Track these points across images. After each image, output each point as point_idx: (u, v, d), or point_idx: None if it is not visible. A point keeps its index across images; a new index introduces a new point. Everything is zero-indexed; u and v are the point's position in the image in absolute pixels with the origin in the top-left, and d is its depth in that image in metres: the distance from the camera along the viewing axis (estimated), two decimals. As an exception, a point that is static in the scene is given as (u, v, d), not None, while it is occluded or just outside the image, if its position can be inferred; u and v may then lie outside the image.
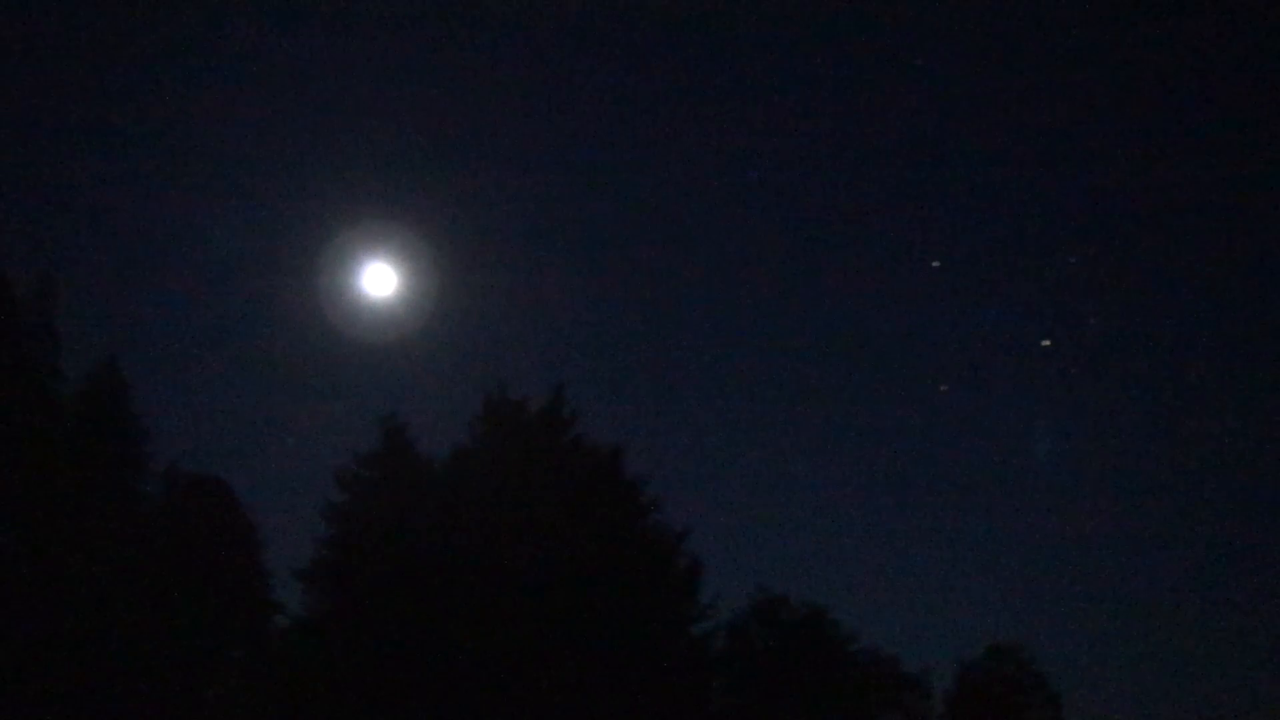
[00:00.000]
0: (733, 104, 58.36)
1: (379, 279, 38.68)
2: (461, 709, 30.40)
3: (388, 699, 30.00)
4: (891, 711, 40.84)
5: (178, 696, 29.11)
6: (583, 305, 58.12)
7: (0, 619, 26.56)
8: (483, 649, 30.80)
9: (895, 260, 61.73)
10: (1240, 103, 56.18)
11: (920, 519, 60.31)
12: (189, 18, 50.18)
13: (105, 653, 27.38)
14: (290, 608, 33.07)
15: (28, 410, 29.04)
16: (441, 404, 43.72)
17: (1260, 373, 60.47)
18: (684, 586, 36.04)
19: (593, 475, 34.79)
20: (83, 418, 30.53)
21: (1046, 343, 50.31)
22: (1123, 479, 57.06)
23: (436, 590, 31.30)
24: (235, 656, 31.80)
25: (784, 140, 58.23)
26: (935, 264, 51.92)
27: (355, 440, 34.71)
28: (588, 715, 31.05)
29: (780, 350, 61.33)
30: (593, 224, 58.18)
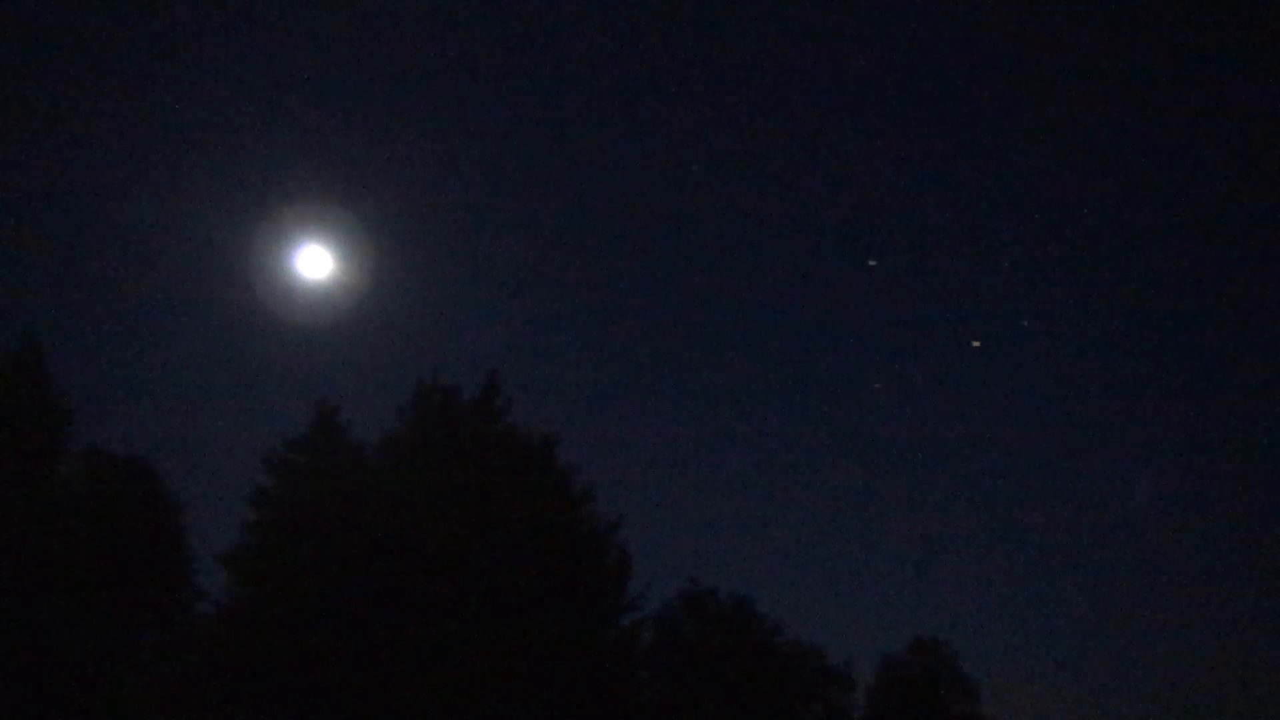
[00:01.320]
0: (668, 97, 58.54)
1: (313, 261, 38.30)
2: (387, 698, 30.19)
3: (311, 686, 29.71)
4: (815, 703, 41.45)
5: (95, 682, 28.58)
6: (518, 294, 58.09)
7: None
8: (409, 638, 30.61)
9: (830, 257, 62.47)
10: (1200, 96, 57.43)
11: (850, 515, 61.26)
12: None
13: (19, 637, 26.78)
14: (214, 594, 32.64)
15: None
16: (376, 389, 43.47)
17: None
18: (614, 577, 36.12)
19: (525, 464, 34.68)
20: (0, 396, 29.76)
21: (976, 344, 51.30)
22: (1064, 475, 58.54)
23: (363, 578, 31.03)
24: (155, 642, 31.27)
25: (723, 135, 58.55)
26: (871, 263, 52.63)
27: (286, 424, 34.28)
28: (517, 705, 31.03)
29: (713, 345, 61.87)
30: (530, 212, 58.05)
